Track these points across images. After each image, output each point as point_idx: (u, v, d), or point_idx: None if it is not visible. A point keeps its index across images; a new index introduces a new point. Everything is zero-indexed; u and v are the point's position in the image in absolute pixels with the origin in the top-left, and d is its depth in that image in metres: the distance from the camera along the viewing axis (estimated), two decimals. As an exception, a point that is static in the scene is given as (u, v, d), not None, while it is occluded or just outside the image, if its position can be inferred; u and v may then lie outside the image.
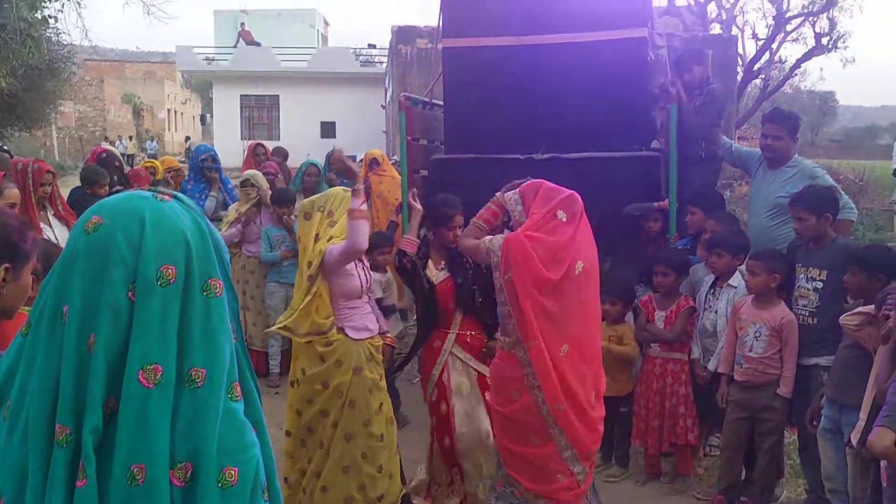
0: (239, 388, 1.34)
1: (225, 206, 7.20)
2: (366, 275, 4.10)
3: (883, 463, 2.79)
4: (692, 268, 4.93)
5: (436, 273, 4.12)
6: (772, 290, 4.28)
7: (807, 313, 4.22)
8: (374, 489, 3.91)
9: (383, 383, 4.08)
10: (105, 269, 1.24)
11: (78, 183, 6.40)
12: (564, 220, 3.28)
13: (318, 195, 4.25)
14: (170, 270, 1.25)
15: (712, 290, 4.71)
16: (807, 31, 23.75)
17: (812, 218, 4.17)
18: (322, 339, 3.92)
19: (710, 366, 4.57)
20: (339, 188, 4.13)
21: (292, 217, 6.64)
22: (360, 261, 4.05)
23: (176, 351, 1.25)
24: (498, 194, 3.57)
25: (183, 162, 9.69)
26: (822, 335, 4.11)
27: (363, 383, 3.92)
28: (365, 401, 3.92)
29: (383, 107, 28.02)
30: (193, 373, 1.26)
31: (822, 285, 4.16)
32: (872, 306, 3.44)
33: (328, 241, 3.88)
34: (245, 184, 6.66)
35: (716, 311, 4.62)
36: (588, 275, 3.33)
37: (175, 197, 1.36)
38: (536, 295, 3.22)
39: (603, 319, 5.09)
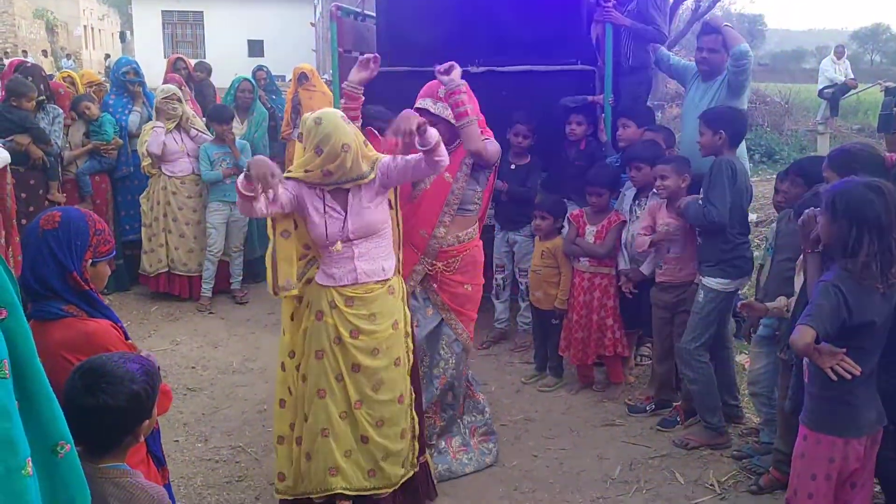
0: None
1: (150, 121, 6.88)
2: (341, 224, 3.22)
3: (805, 360, 2.87)
4: (626, 184, 4.92)
5: None
6: (682, 192, 4.29)
7: None
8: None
9: None
10: None
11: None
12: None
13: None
14: None
15: (637, 202, 4.74)
16: (739, -50, 23.73)
17: (708, 133, 4.08)
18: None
19: (645, 270, 4.58)
20: (308, 115, 3.18)
21: (231, 133, 6.43)
22: (333, 207, 3.21)
23: None
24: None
25: (104, 80, 9.19)
26: None
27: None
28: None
29: (312, 24, 27.19)
30: None
31: None
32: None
33: None
34: (171, 98, 6.37)
35: (643, 222, 4.64)
36: None
37: None
38: None
39: (534, 235, 5.13)
